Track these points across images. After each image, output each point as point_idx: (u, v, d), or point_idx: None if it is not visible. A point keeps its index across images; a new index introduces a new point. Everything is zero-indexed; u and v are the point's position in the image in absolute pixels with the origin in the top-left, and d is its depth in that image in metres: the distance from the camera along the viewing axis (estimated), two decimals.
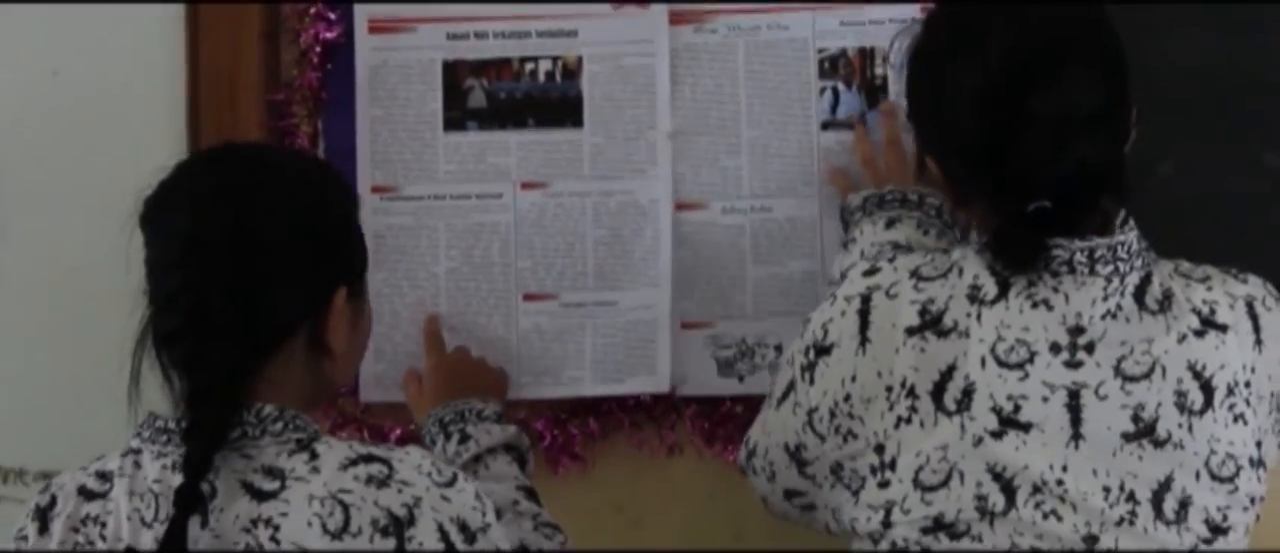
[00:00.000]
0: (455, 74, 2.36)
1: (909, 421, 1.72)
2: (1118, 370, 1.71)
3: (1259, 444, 1.73)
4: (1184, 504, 1.70)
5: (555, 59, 2.35)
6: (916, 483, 1.72)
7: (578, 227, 2.34)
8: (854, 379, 1.76)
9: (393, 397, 2.31)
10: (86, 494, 1.74)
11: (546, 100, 2.35)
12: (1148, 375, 1.71)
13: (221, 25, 2.37)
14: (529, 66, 2.35)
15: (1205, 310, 1.73)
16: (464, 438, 2.07)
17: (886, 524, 1.74)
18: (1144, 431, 1.70)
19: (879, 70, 2.30)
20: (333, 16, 2.36)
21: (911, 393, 1.72)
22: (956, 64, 1.76)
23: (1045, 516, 1.69)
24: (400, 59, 2.36)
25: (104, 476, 1.74)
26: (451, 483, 1.71)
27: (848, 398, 1.76)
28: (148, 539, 1.68)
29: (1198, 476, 1.70)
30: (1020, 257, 1.73)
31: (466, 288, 2.34)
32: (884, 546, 1.75)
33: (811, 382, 1.80)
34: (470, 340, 2.31)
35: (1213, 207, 2.33)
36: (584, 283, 2.34)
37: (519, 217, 2.35)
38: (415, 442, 2.14)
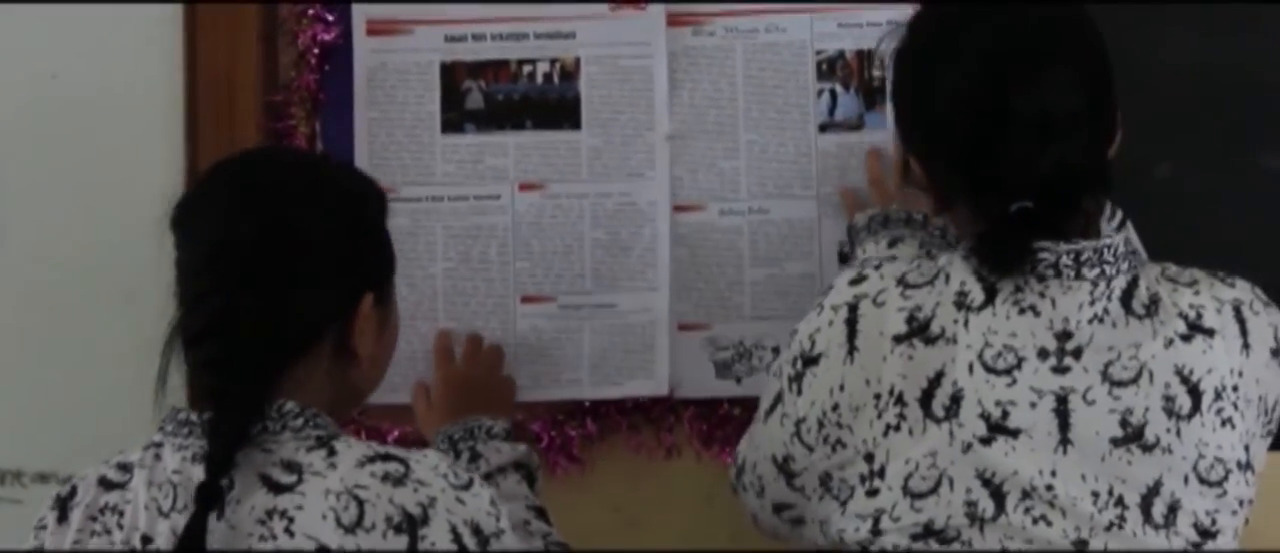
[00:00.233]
0: (453, 76, 2.36)
1: (897, 428, 1.72)
2: (1105, 375, 1.71)
3: (1247, 448, 1.73)
4: (1173, 509, 1.70)
5: (553, 61, 2.35)
6: (906, 490, 1.72)
7: (576, 229, 2.35)
8: (842, 388, 1.76)
9: (388, 398, 2.30)
10: (106, 485, 1.75)
11: (544, 102, 2.35)
12: (1135, 380, 1.70)
13: (219, 27, 2.37)
14: (527, 68, 2.35)
15: (1192, 315, 1.73)
16: (474, 456, 2.07)
17: (875, 532, 1.74)
18: (1132, 435, 1.70)
19: (877, 73, 2.31)
20: (330, 18, 2.36)
21: (900, 400, 1.72)
22: (939, 65, 1.77)
23: (1035, 521, 1.69)
24: (398, 61, 2.36)
25: (125, 467, 1.76)
26: (467, 487, 1.72)
27: (836, 407, 1.76)
28: (163, 529, 1.69)
29: (1186, 480, 1.70)
30: (1005, 259, 1.73)
31: (464, 290, 2.34)
32: None
33: (799, 392, 1.80)
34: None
35: (1210, 209, 2.33)
36: (582, 285, 2.35)
37: (517, 219, 2.35)
38: (417, 445, 2.13)
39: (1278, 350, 1.77)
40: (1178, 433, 1.70)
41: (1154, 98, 2.34)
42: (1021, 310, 1.72)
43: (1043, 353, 1.71)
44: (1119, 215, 2.13)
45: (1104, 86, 1.77)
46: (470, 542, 1.69)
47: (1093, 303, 1.72)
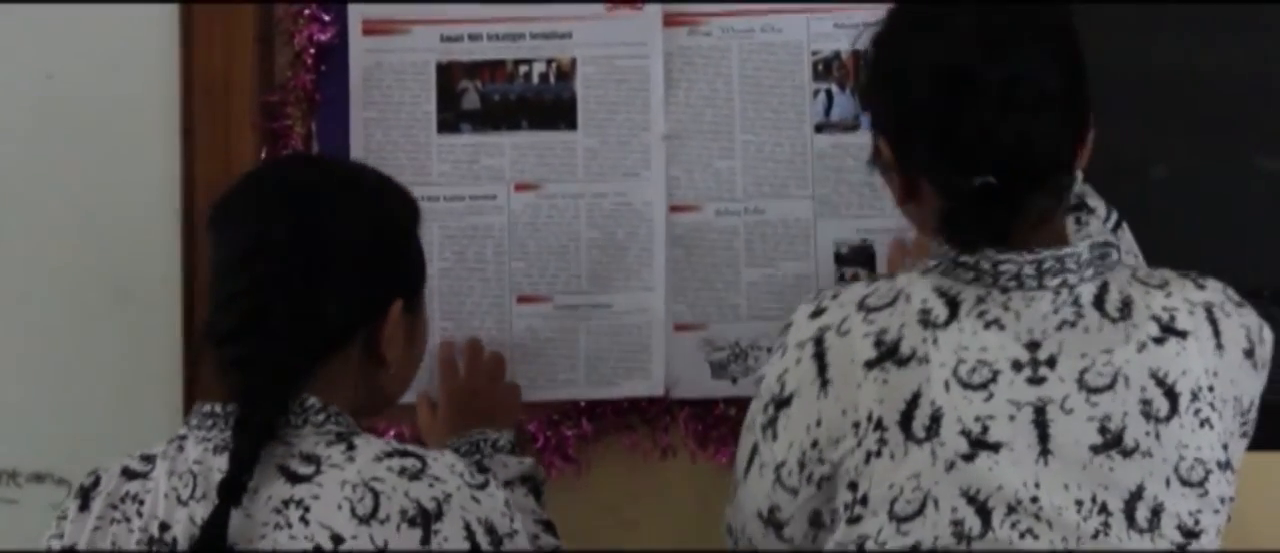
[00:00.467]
0: (449, 76, 2.36)
1: (879, 454, 1.70)
2: (1081, 383, 1.70)
3: (1226, 446, 1.73)
4: (1156, 512, 1.69)
5: (549, 61, 2.35)
6: (891, 515, 1.70)
7: (572, 229, 2.34)
8: (819, 424, 1.74)
9: None
10: (129, 474, 1.78)
11: (540, 102, 2.35)
12: (1111, 386, 1.70)
13: (215, 27, 2.37)
14: (523, 69, 2.35)
15: (1165, 317, 1.73)
16: (482, 470, 2.07)
17: None
18: (1112, 441, 1.69)
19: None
20: (327, 18, 2.36)
21: (879, 425, 1.71)
22: (914, 39, 1.77)
23: (1021, 535, 1.68)
24: (394, 61, 2.36)
25: (148, 458, 1.78)
26: (483, 487, 1.74)
27: (815, 443, 1.75)
28: (181, 517, 1.72)
29: (1168, 482, 1.70)
30: (969, 232, 1.73)
31: (460, 290, 2.34)
32: None
33: (775, 436, 1.78)
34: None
35: (1207, 210, 2.34)
36: (578, 285, 2.35)
37: (513, 219, 2.35)
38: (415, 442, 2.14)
39: (1250, 351, 1.77)
40: (1157, 436, 1.70)
41: (1150, 99, 2.35)
42: (987, 325, 1.71)
43: (1016, 365, 1.70)
44: (1114, 216, 2.13)
45: (1075, 77, 1.76)
46: (483, 540, 1.71)
47: (1057, 311, 1.72)
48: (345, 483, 1.68)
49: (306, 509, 1.68)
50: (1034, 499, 1.68)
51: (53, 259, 2.37)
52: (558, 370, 2.34)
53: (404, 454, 1.72)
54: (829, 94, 2.32)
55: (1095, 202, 2.14)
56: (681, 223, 2.34)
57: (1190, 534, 1.70)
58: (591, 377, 2.34)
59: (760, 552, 1.86)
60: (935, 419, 1.69)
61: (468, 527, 1.71)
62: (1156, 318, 1.73)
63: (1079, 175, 2.14)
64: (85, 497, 1.79)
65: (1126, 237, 2.15)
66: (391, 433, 2.31)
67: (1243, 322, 1.77)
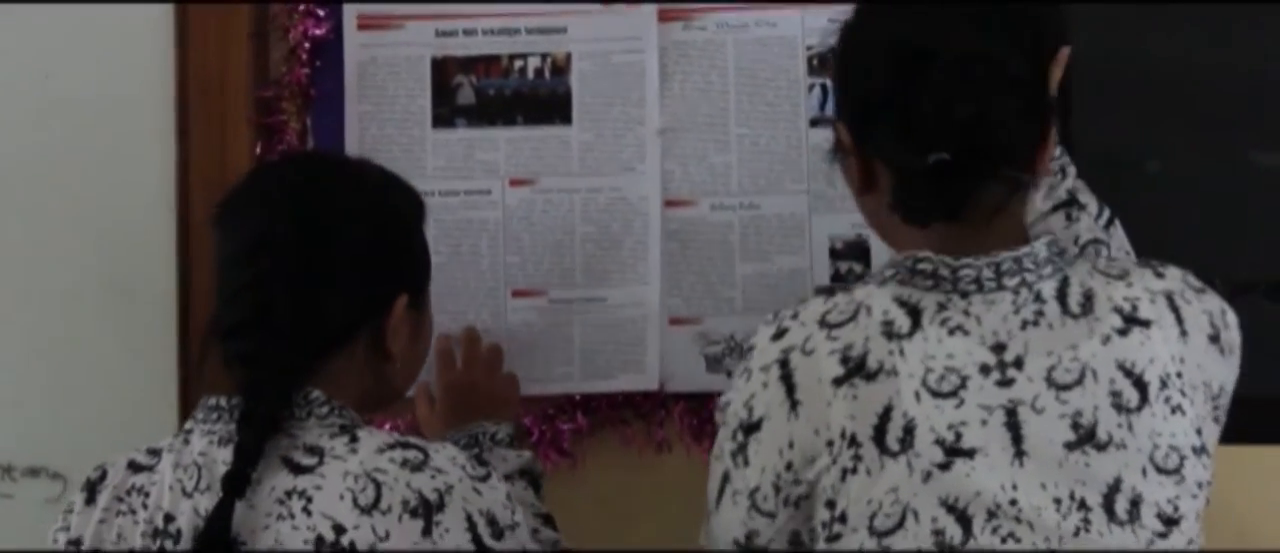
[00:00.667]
0: (444, 71, 2.36)
1: (855, 470, 1.69)
2: (1050, 381, 1.70)
3: (1199, 431, 1.73)
4: (1135, 503, 1.69)
5: (544, 56, 2.36)
6: (871, 530, 1.69)
7: (566, 223, 2.35)
8: (792, 446, 1.73)
9: None
10: (135, 467, 1.79)
11: (535, 97, 2.35)
12: (1080, 382, 1.70)
13: (210, 23, 2.38)
14: (518, 63, 2.36)
15: (1127, 308, 1.73)
16: (482, 464, 2.08)
17: None
18: (1085, 436, 1.69)
19: None
20: (321, 13, 2.37)
21: (853, 442, 1.69)
22: (876, 25, 1.78)
23: (1003, 540, 1.68)
24: (389, 56, 2.37)
25: (154, 451, 1.80)
26: (485, 479, 1.76)
27: (790, 466, 1.73)
28: (185, 508, 1.73)
29: (1144, 472, 1.69)
30: (922, 207, 1.73)
31: (455, 284, 2.35)
32: None
33: (746, 463, 1.77)
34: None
35: (1201, 205, 2.34)
36: (573, 279, 2.35)
37: (508, 213, 2.35)
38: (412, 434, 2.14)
39: (1216, 337, 1.76)
40: (1130, 427, 1.69)
41: (1145, 94, 2.35)
42: (951, 332, 1.71)
43: (984, 369, 1.70)
44: (1106, 213, 2.13)
45: (1038, 70, 1.76)
46: (485, 532, 1.72)
47: (1018, 312, 1.72)
48: (347, 474, 1.70)
49: (309, 500, 1.69)
50: (1013, 502, 1.68)
51: (49, 255, 2.38)
52: (552, 365, 2.34)
53: (406, 446, 1.73)
54: (824, 88, 2.32)
55: (1087, 198, 2.14)
56: (676, 217, 2.34)
57: (1170, 522, 1.70)
58: (586, 371, 2.35)
59: None
60: (908, 431, 1.68)
61: (469, 519, 1.72)
62: (1119, 310, 1.72)
63: (1071, 172, 2.15)
64: (92, 490, 1.80)
65: (1119, 234, 2.15)
66: (386, 427, 2.31)
67: (1204, 308, 1.77)
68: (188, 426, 1.80)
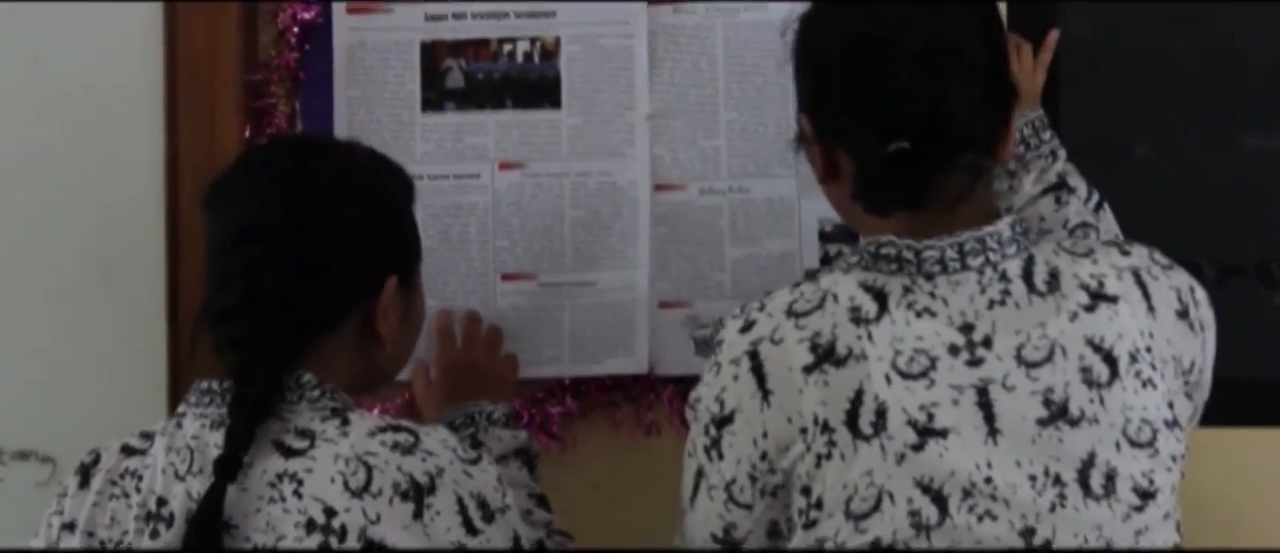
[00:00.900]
0: (433, 54, 2.36)
1: (829, 456, 1.70)
2: (1019, 359, 1.70)
3: (1171, 405, 1.73)
4: (1110, 477, 1.69)
5: (533, 40, 2.35)
6: (847, 515, 1.70)
7: (556, 207, 2.35)
8: (766, 436, 1.73)
9: None
10: (128, 451, 1.80)
11: (524, 81, 2.35)
12: (1049, 358, 1.70)
13: (199, 6, 2.37)
14: (507, 47, 2.35)
15: (1093, 285, 1.73)
16: (475, 445, 2.08)
17: None
18: (1057, 413, 1.69)
19: None
20: None
21: (826, 428, 1.70)
22: (835, 15, 1.78)
23: (980, 518, 1.68)
24: (378, 39, 2.36)
25: (147, 435, 1.81)
26: (475, 462, 1.76)
27: (764, 456, 1.74)
28: (178, 492, 1.74)
29: (1118, 446, 1.70)
30: (882, 197, 1.74)
31: (444, 268, 2.34)
32: None
33: (721, 456, 1.77)
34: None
35: (1189, 188, 2.34)
36: (562, 264, 2.35)
37: (497, 197, 2.35)
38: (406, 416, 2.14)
39: (1184, 313, 1.77)
40: (1101, 402, 1.70)
41: (1133, 78, 2.35)
42: (918, 314, 1.71)
43: (953, 350, 1.70)
44: (1095, 197, 2.14)
45: (997, 58, 1.77)
46: (475, 515, 1.73)
47: (984, 291, 1.72)
48: (339, 457, 1.70)
49: (300, 483, 1.70)
50: (988, 480, 1.68)
51: (38, 239, 2.37)
52: (542, 349, 2.34)
53: (397, 429, 1.74)
54: None
55: (1077, 181, 2.15)
56: (666, 201, 2.34)
57: (1146, 495, 1.71)
58: (576, 355, 2.35)
59: None
60: (880, 414, 1.69)
61: (460, 501, 1.72)
62: (1085, 286, 1.73)
63: (1061, 155, 2.15)
64: (85, 474, 1.80)
65: (1108, 217, 2.15)
66: (377, 410, 2.31)
67: (1172, 284, 1.77)
68: (181, 409, 1.80)
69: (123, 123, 2.36)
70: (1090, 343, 1.71)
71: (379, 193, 1.88)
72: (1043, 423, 1.69)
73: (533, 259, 2.35)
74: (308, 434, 1.73)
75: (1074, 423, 1.69)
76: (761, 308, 1.77)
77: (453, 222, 2.35)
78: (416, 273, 1.92)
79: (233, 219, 1.81)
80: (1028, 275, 1.73)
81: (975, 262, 1.73)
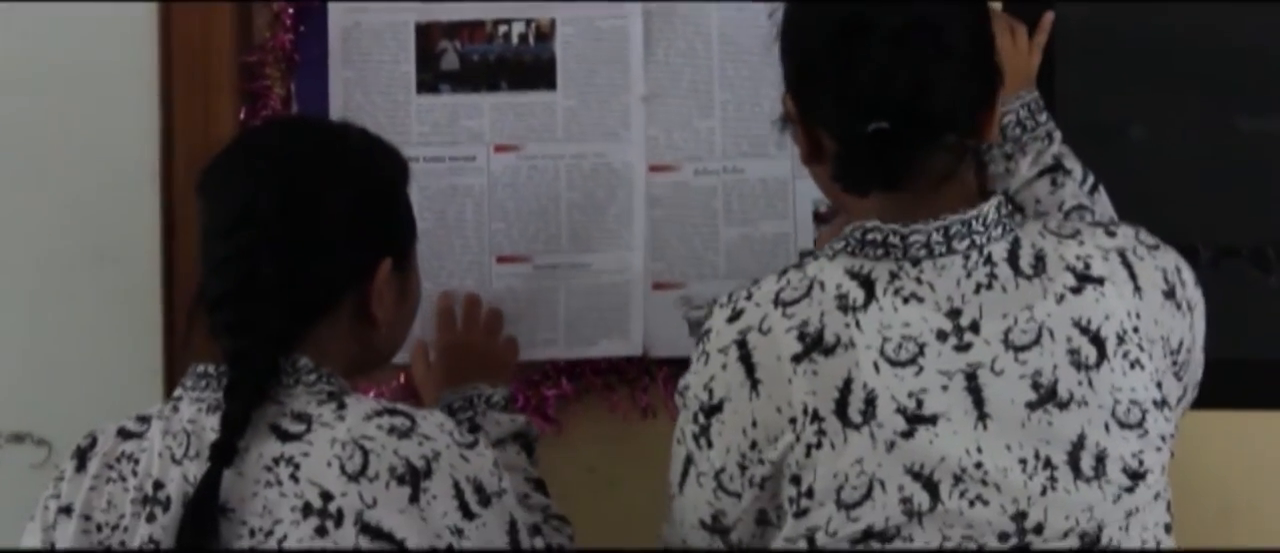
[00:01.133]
0: (428, 36, 2.36)
1: (820, 445, 1.70)
2: (1007, 343, 1.70)
3: (1159, 385, 1.74)
4: (1100, 458, 1.70)
5: (528, 21, 2.35)
6: (839, 503, 1.70)
7: (551, 189, 2.35)
8: (755, 425, 1.74)
9: None
10: (124, 435, 1.80)
11: (519, 63, 2.35)
12: (1037, 341, 1.70)
13: None
14: (502, 29, 2.35)
15: (1079, 266, 1.73)
16: (473, 428, 2.09)
17: (811, 548, 1.73)
18: (1046, 396, 1.69)
19: None
20: None
21: (815, 417, 1.70)
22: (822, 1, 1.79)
23: (971, 503, 1.68)
24: (373, 21, 2.36)
25: (144, 419, 1.81)
26: (472, 446, 1.76)
27: (754, 445, 1.74)
28: (175, 475, 1.74)
29: (1107, 427, 1.70)
30: (862, 176, 1.73)
31: (440, 250, 2.34)
32: None
33: (709, 445, 1.78)
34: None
35: (1184, 170, 2.34)
36: (557, 245, 2.35)
37: (492, 179, 2.35)
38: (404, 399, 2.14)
39: (1171, 292, 1.77)
40: (1090, 384, 1.70)
41: (1129, 60, 2.35)
42: (906, 300, 1.71)
43: (941, 335, 1.70)
44: (1090, 179, 2.14)
45: (979, 38, 1.77)
46: (472, 499, 1.73)
47: (970, 275, 1.72)
48: (335, 441, 1.70)
49: (296, 467, 1.70)
50: (978, 465, 1.68)
51: (32, 220, 2.37)
52: (537, 331, 2.34)
53: (394, 413, 1.74)
54: None
55: (1072, 163, 2.15)
56: (660, 182, 2.34)
57: (1136, 476, 1.71)
58: (571, 337, 2.35)
59: None
60: (870, 402, 1.69)
61: (456, 485, 1.72)
62: (1071, 268, 1.73)
63: (1056, 137, 2.15)
64: (82, 457, 1.80)
65: (1103, 200, 2.15)
66: (371, 394, 2.31)
67: (1158, 264, 1.77)
68: (177, 393, 1.80)
69: (118, 105, 2.36)
70: (1077, 325, 1.71)
71: (373, 175, 1.88)
72: (1032, 406, 1.69)
73: (528, 241, 2.35)
74: (304, 418, 1.73)
75: (1063, 406, 1.69)
76: (748, 297, 1.77)
77: (448, 204, 2.35)
78: (411, 255, 1.92)
79: (227, 203, 1.81)
80: (1013, 258, 1.73)
81: (961, 245, 1.73)
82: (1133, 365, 1.71)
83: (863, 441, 1.69)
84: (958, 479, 1.68)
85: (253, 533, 1.69)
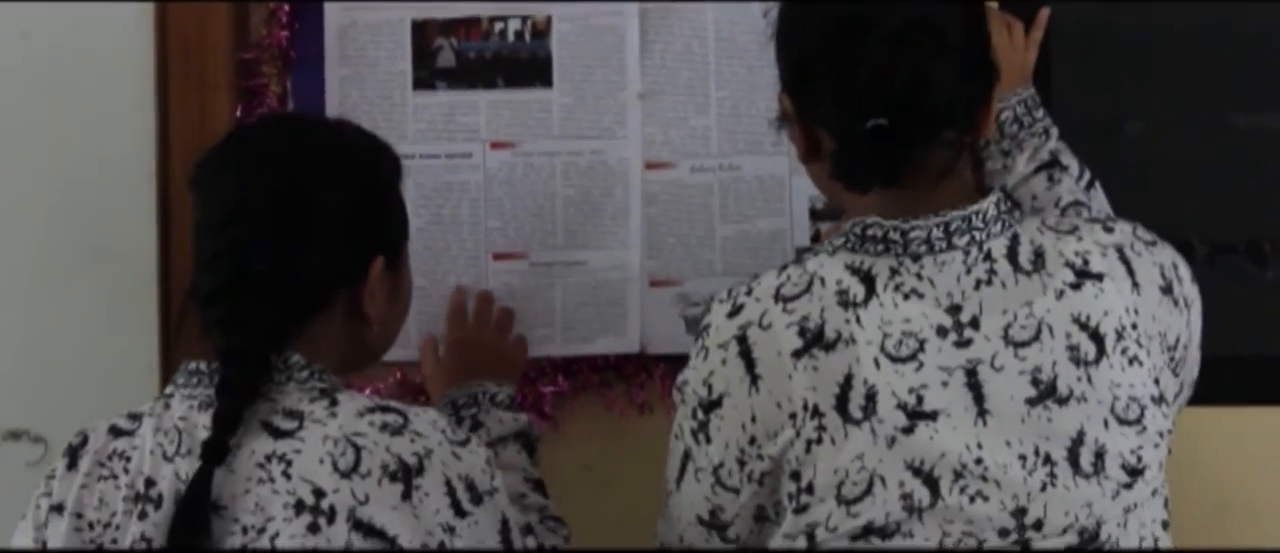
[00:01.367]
0: (424, 33, 2.36)
1: (820, 441, 1.70)
2: (1007, 339, 1.70)
3: (1157, 382, 1.74)
4: (1099, 455, 1.70)
5: (524, 19, 2.35)
6: (839, 499, 1.70)
7: (547, 186, 2.35)
8: (754, 420, 1.74)
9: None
10: (116, 432, 1.80)
11: (516, 60, 2.35)
12: (1037, 338, 1.70)
13: None
14: (498, 26, 2.35)
15: (1078, 262, 1.74)
16: (476, 426, 2.09)
17: (811, 545, 1.72)
18: (1046, 392, 1.70)
19: None
20: None
21: (816, 413, 1.70)
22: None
23: (971, 499, 1.69)
24: (369, 18, 2.36)
25: (135, 416, 1.80)
26: (464, 443, 1.76)
27: (753, 441, 1.74)
28: (166, 472, 1.74)
29: (1106, 424, 1.70)
30: (861, 173, 1.73)
31: (436, 247, 2.34)
32: None
33: (708, 440, 1.78)
34: (441, 301, 2.32)
35: (1180, 166, 2.34)
36: (554, 243, 2.35)
37: (488, 176, 2.35)
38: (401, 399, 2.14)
39: (1168, 288, 1.77)
40: (1089, 380, 1.70)
41: (1125, 56, 2.35)
42: (907, 296, 1.72)
43: (941, 331, 1.71)
44: (1087, 175, 2.14)
45: (976, 34, 1.77)
46: (464, 497, 1.73)
47: (970, 271, 1.72)
48: (327, 438, 1.70)
49: (289, 464, 1.70)
50: (979, 461, 1.69)
51: (29, 218, 2.37)
52: (534, 328, 2.34)
53: (386, 410, 1.74)
54: None
55: (1069, 160, 2.15)
56: (657, 180, 2.34)
57: (1135, 472, 1.71)
58: (567, 334, 2.35)
59: None
60: (870, 398, 1.69)
61: (448, 483, 1.72)
62: (1070, 264, 1.73)
63: (1053, 133, 2.15)
64: (73, 456, 1.80)
65: (1099, 196, 2.15)
66: (367, 391, 2.31)
67: (1155, 260, 1.78)
68: (168, 390, 1.80)
69: (114, 102, 2.36)
70: (1077, 321, 1.71)
71: (366, 172, 1.88)
72: (1031, 402, 1.70)
73: (524, 239, 2.35)
74: (296, 415, 1.73)
75: (1062, 402, 1.70)
76: (749, 292, 1.78)
77: (444, 201, 2.35)
78: (403, 252, 1.92)
79: (219, 200, 1.80)
80: (1013, 254, 1.73)
81: (961, 241, 1.73)
82: (1131, 362, 1.72)
83: (863, 436, 1.69)
84: (958, 475, 1.68)
85: (245, 531, 1.69)
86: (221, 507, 1.69)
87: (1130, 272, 1.75)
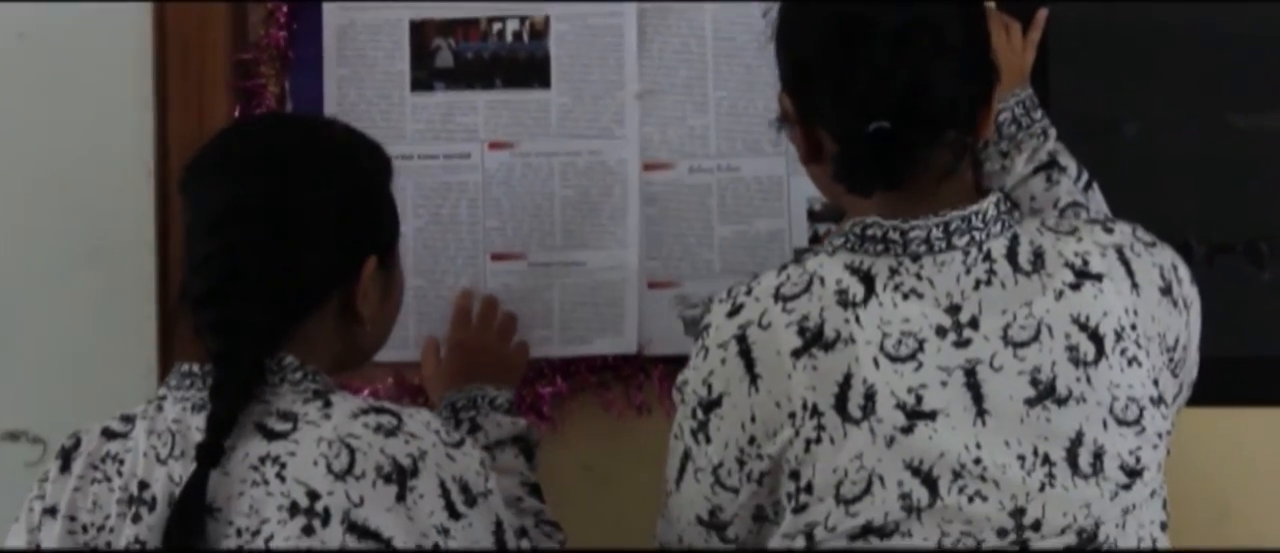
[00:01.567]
0: (422, 34, 2.36)
1: (819, 440, 1.70)
2: (1006, 339, 1.70)
3: (1156, 383, 1.74)
4: (1098, 455, 1.70)
5: (522, 19, 2.35)
6: (838, 499, 1.70)
7: (545, 187, 2.35)
8: (754, 420, 1.74)
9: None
10: (109, 435, 1.79)
11: (514, 60, 2.35)
12: (1036, 338, 1.71)
13: None
14: (496, 26, 2.35)
15: (1078, 263, 1.74)
16: (474, 429, 2.09)
17: (810, 544, 1.73)
18: (1045, 392, 1.70)
19: None
20: None
21: (815, 412, 1.70)
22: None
23: (970, 499, 1.69)
24: (367, 19, 2.36)
25: (128, 419, 1.80)
26: (459, 445, 1.76)
27: (753, 440, 1.74)
28: (160, 475, 1.73)
29: (1105, 424, 1.70)
30: (864, 175, 1.73)
31: (434, 247, 2.35)
32: None
33: (708, 440, 1.78)
34: (439, 301, 2.31)
35: (1178, 167, 2.34)
36: (552, 243, 2.35)
37: (487, 177, 2.35)
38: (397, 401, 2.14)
39: (1167, 289, 1.77)
40: (1088, 381, 1.70)
41: (1123, 56, 2.35)
42: (906, 296, 1.72)
43: (940, 331, 1.71)
44: (1085, 176, 2.14)
45: (976, 35, 1.77)
46: (458, 499, 1.72)
47: (970, 271, 1.72)
48: (321, 440, 1.70)
49: (283, 466, 1.69)
50: (977, 461, 1.69)
51: (26, 217, 2.37)
52: (532, 329, 2.34)
53: (380, 411, 1.74)
54: None
55: (1067, 160, 2.15)
56: (655, 180, 2.34)
57: (1133, 473, 1.71)
58: (566, 335, 2.35)
59: None
60: (869, 397, 1.69)
61: (442, 485, 1.72)
62: (1070, 265, 1.73)
63: (1051, 134, 2.15)
64: (66, 458, 1.80)
65: (1097, 197, 2.15)
66: (365, 393, 2.31)
67: (1155, 261, 1.78)
68: (160, 392, 1.80)
69: (113, 103, 2.36)
70: (1076, 322, 1.71)
71: (357, 172, 1.87)
72: (1031, 403, 1.70)
73: (522, 239, 2.35)
74: (290, 417, 1.72)
75: (1061, 402, 1.70)
76: (748, 292, 1.78)
77: (442, 201, 2.35)
78: (395, 252, 1.91)
79: (209, 201, 1.80)
80: (1012, 255, 1.73)
81: (961, 241, 1.73)
82: (1130, 362, 1.72)
83: (862, 436, 1.69)
84: (957, 475, 1.68)
85: (239, 533, 1.69)
86: (216, 509, 1.69)
87: (1130, 272, 1.75)
